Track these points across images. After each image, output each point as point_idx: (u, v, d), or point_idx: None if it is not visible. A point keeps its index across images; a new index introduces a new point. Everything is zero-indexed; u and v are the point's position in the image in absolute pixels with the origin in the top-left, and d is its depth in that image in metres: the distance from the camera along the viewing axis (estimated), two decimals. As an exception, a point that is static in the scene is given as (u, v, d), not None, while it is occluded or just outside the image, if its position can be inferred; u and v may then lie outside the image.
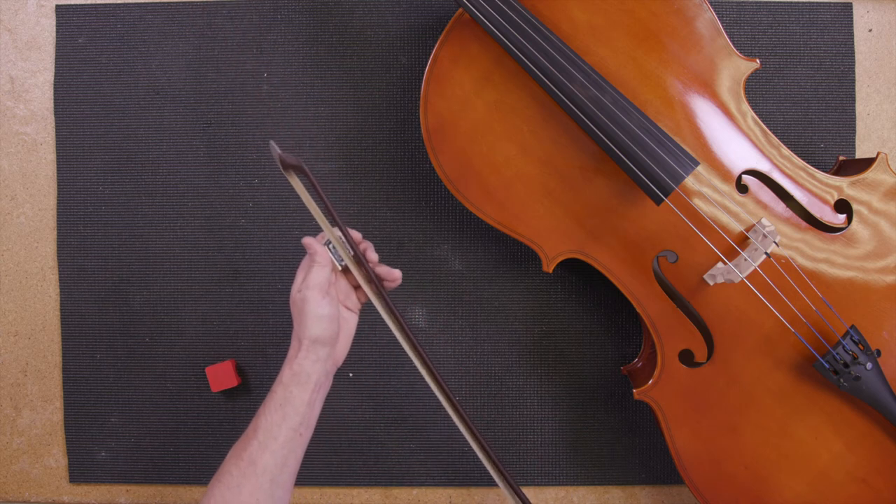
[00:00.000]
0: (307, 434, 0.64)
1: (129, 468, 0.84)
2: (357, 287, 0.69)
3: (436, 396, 0.67)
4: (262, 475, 0.60)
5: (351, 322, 0.67)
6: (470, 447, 0.69)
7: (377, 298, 0.67)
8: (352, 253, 0.66)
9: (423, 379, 0.67)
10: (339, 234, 0.65)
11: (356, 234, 0.67)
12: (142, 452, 0.84)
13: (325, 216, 0.66)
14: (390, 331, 0.67)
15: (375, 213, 0.83)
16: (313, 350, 0.63)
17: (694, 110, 0.69)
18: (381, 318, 0.67)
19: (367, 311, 0.82)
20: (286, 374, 0.63)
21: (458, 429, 0.68)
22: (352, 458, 0.84)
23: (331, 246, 0.65)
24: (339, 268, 0.66)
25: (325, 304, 0.63)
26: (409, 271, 0.83)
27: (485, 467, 0.71)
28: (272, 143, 0.64)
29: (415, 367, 0.68)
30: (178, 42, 0.83)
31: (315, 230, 0.70)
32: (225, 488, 0.60)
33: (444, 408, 0.67)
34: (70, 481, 0.85)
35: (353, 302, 0.68)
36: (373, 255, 0.67)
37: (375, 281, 0.66)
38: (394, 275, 0.67)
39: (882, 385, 0.67)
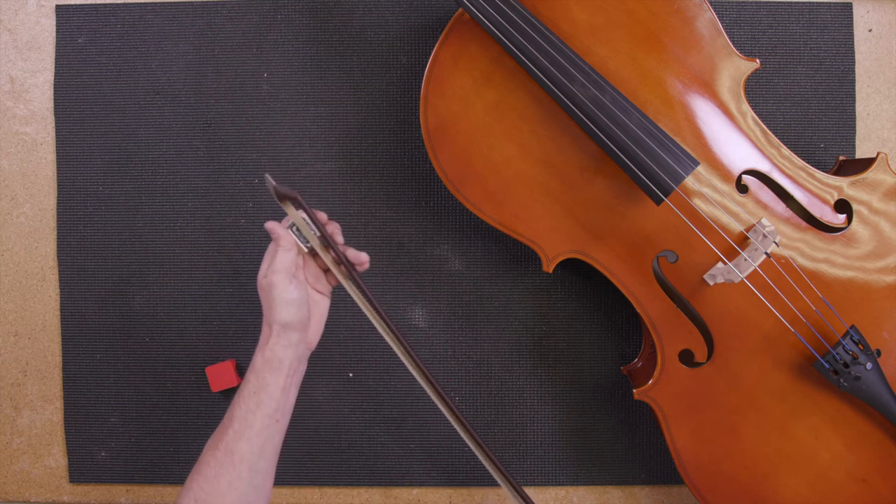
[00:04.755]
0: (284, 420, 0.64)
1: (129, 468, 0.84)
2: (327, 270, 0.68)
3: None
4: (239, 464, 0.60)
5: (322, 305, 0.67)
6: (469, 447, 0.69)
7: (346, 280, 0.66)
8: (318, 234, 0.65)
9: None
10: (304, 215, 0.64)
11: (322, 216, 0.66)
12: (142, 452, 0.84)
13: (321, 242, 0.65)
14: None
15: (375, 213, 0.83)
16: (284, 335, 0.63)
17: (694, 110, 0.69)
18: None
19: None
20: (258, 360, 0.63)
21: (451, 423, 0.68)
22: (352, 458, 0.84)
23: (294, 229, 0.65)
24: (305, 250, 0.65)
25: (293, 289, 0.62)
26: (409, 271, 0.83)
27: (485, 467, 0.71)
28: (267, 175, 0.64)
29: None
30: (178, 42, 0.83)
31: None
32: (203, 480, 0.60)
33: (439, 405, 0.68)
34: (70, 481, 0.85)
35: (324, 285, 0.68)
36: (339, 238, 0.66)
37: (344, 261, 0.65)
38: (361, 258, 0.66)
39: (882, 385, 0.67)
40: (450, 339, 0.83)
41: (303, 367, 0.65)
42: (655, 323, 0.72)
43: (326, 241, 0.65)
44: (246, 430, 0.61)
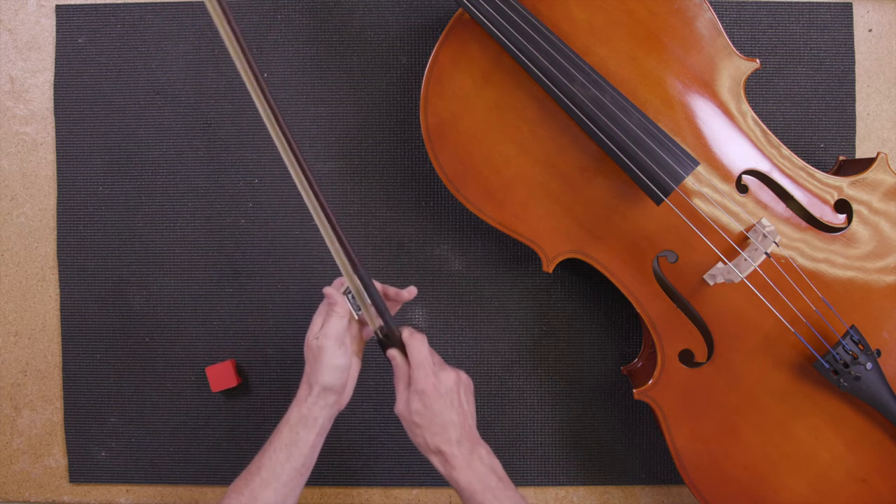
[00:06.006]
0: (307, 474, 0.65)
1: (129, 468, 0.84)
2: (363, 326, 0.70)
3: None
4: None
5: (356, 367, 0.69)
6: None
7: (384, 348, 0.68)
8: (371, 306, 0.66)
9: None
10: (358, 282, 0.65)
11: (377, 285, 0.67)
12: (142, 452, 0.84)
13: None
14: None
15: (375, 213, 0.83)
16: (323, 396, 0.65)
17: (694, 110, 0.69)
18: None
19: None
20: (294, 415, 0.64)
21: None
22: (352, 458, 0.84)
23: (350, 296, 0.66)
24: (356, 317, 0.67)
25: (341, 355, 0.64)
26: (409, 271, 0.83)
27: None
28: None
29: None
30: (178, 42, 0.83)
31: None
32: None
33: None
34: (70, 481, 0.85)
35: (359, 347, 0.69)
36: (406, 293, 0.69)
37: (392, 330, 0.66)
38: (412, 292, 0.69)
39: (882, 385, 0.67)
40: (450, 339, 0.83)
41: (330, 426, 0.67)
42: (655, 323, 0.72)
43: (381, 312, 0.66)
44: (273, 481, 0.63)
